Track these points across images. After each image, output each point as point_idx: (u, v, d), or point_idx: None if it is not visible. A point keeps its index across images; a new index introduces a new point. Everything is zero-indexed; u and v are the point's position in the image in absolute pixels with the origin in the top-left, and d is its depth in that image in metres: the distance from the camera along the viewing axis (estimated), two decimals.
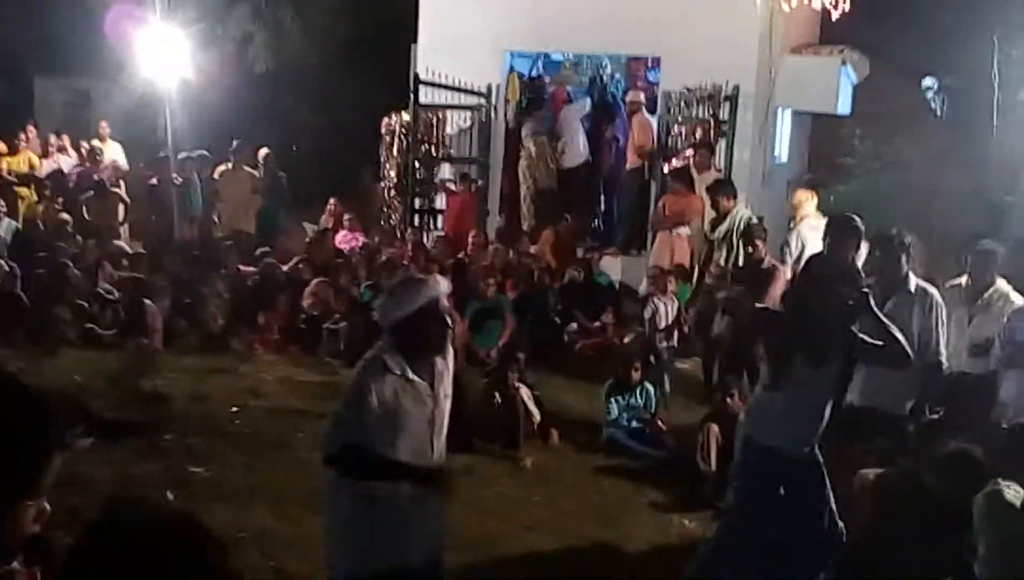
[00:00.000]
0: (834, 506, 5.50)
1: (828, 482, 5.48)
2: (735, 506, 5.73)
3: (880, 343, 5.40)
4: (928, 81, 13.23)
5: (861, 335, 5.47)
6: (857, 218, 6.77)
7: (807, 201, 10.73)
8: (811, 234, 9.93)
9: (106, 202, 13.19)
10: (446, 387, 4.47)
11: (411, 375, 4.30)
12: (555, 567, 6.26)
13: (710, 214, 10.94)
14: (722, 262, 9.38)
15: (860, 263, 6.75)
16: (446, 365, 4.48)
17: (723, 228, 9.43)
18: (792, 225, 10.76)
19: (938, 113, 13.51)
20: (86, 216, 13.03)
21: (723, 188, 9.87)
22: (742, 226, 9.54)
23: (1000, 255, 7.41)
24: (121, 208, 13.37)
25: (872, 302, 5.53)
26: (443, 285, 4.44)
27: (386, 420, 4.22)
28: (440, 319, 4.35)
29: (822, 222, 10.09)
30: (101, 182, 13.45)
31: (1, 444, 1.76)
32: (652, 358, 9.66)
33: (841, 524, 5.51)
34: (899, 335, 5.46)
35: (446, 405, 4.49)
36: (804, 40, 14.92)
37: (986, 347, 7.10)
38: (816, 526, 5.43)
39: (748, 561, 5.50)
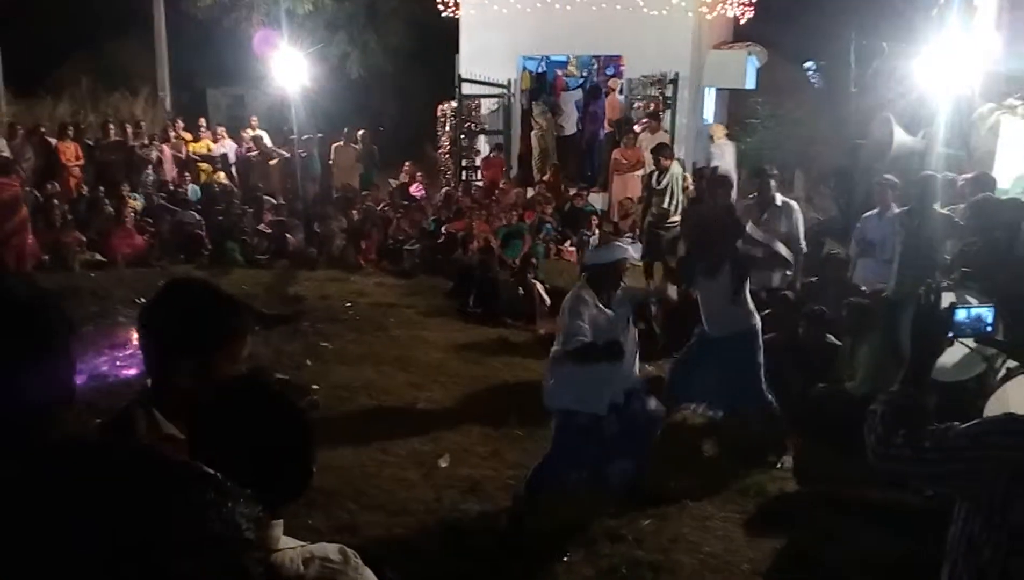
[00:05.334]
0: (762, 375, 4.92)
1: (757, 356, 4.90)
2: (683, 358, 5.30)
3: (761, 254, 5.23)
4: (808, 63, 12.82)
5: (747, 250, 5.07)
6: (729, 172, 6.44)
7: (719, 130, 12.69)
8: (716, 150, 12.22)
9: (268, 170, 13.25)
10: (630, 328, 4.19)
11: (599, 305, 4.05)
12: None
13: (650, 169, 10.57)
14: (664, 205, 8.87)
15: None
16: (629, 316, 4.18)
17: (665, 181, 8.89)
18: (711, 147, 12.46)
19: (815, 85, 13.11)
20: (256, 181, 13.04)
21: (664, 149, 9.08)
22: (679, 180, 9.01)
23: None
24: (277, 174, 13.37)
25: (750, 231, 5.31)
26: (632, 251, 4.15)
27: (593, 330, 3.97)
28: (620, 272, 4.09)
29: (727, 144, 12.34)
30: (263, 156, 13.47)
31: (214, 327, 1.70)
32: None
33: (769, 396, 4.94)
34: (781, 249, 5.27)
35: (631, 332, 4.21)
36: (722, 39, 14.55)
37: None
38: (746, 385, 4.93)
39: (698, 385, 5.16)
